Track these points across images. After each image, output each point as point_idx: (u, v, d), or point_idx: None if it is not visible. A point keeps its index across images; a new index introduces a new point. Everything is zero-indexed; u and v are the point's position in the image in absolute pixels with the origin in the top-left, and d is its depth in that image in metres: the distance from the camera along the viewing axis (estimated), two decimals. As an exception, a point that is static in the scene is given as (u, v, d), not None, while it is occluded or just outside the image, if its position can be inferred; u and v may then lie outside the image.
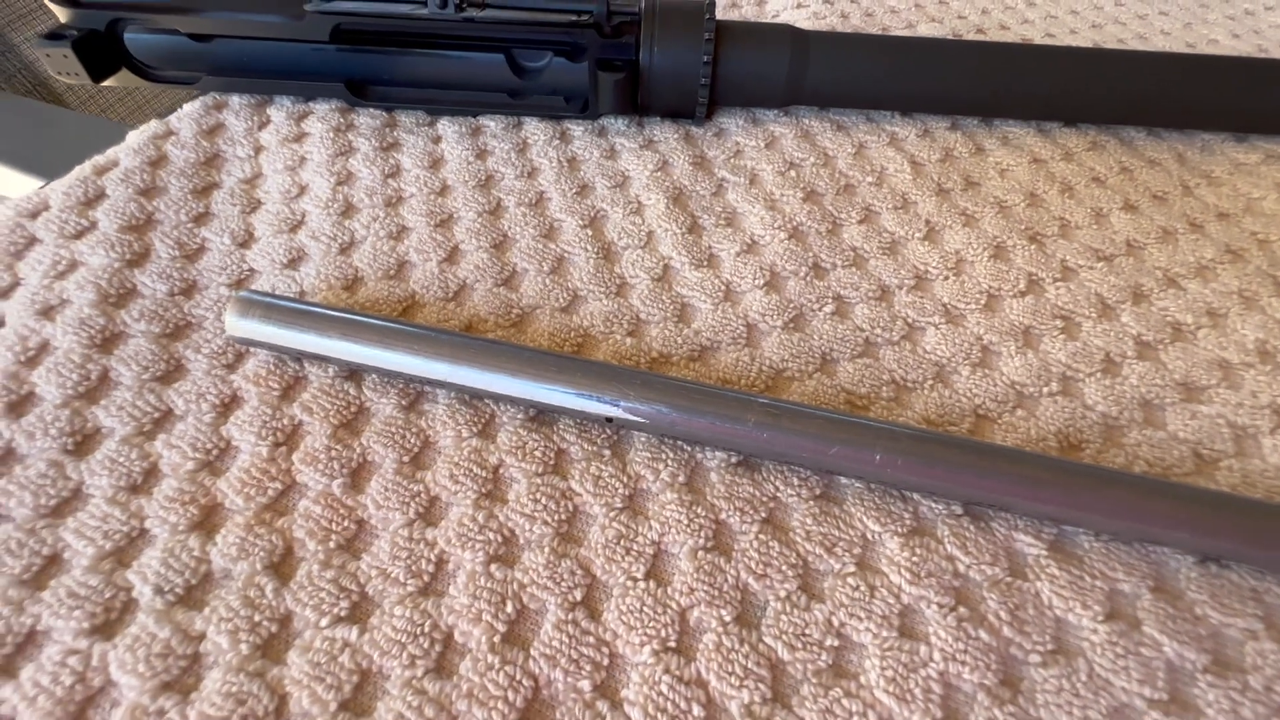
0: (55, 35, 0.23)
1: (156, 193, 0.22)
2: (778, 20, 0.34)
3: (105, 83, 0.25)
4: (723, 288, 0.20)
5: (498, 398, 0.17)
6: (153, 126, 0.24)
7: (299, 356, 0.17)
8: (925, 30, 0.34)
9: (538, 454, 0.16)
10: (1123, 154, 0.27)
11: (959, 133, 0.27)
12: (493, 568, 0.14)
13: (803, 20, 0.33)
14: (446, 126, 0.25)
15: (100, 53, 0.24)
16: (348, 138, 0.24)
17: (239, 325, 0.17)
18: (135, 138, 0.23)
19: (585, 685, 0.13)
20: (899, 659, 0.14)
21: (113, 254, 0.19)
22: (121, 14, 0.23)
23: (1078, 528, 0.15)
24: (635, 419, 0.16)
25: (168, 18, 0.23)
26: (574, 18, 0.23)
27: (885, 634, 0.14)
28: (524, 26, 0.24)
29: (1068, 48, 0.27)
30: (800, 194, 0.24)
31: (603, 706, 0.13)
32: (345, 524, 0.15)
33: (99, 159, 0.22)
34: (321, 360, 0.17)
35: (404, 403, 0.17)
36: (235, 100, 0.26)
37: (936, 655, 0.14)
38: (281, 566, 0.14)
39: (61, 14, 0.24)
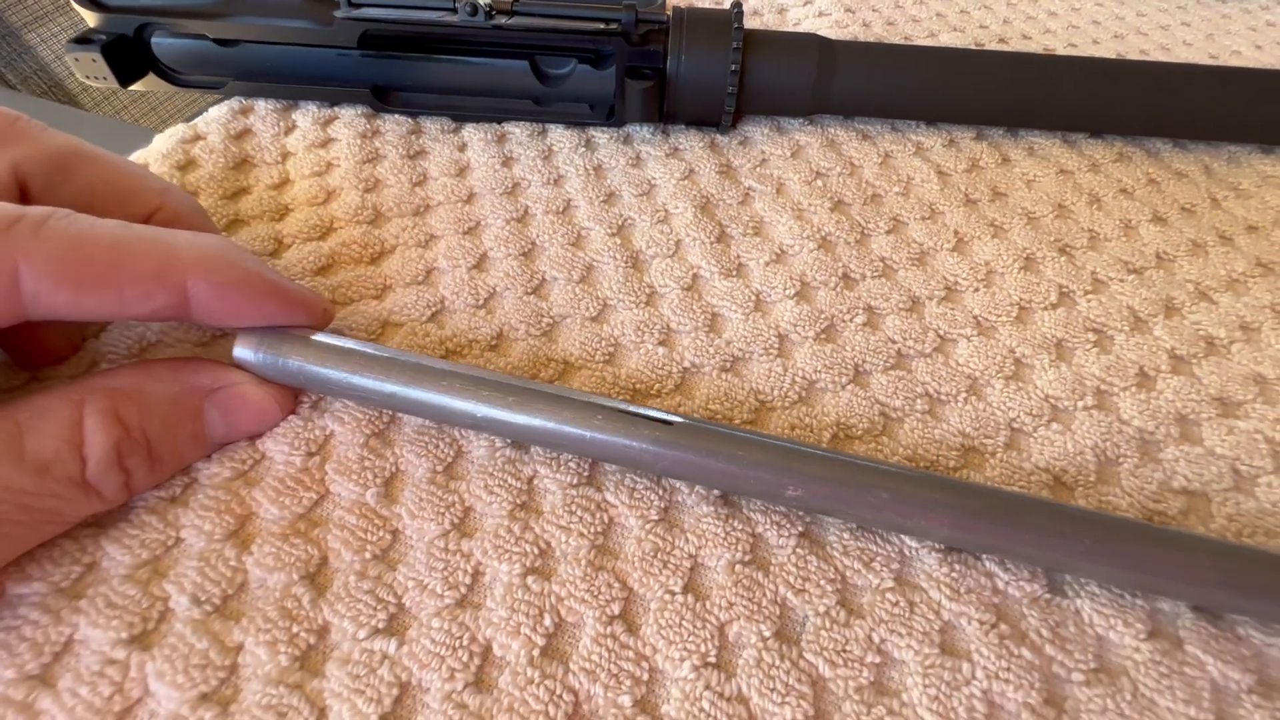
0: (84, 40, 0.23)
1: (185, 198, 0.22)
2: (799, 28, 0.34)
3: (132, 87, 0.25)
4: (753, 298, 0.20)
5: (537, 443, 0.16)
6: (180, 131, 0.24)
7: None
8: (947, 39, 0.34)
9: (571, 465, 0.16)
10: (1149, 165, 0.26)
11: (984, 143, 0.27)
12: (529, 580, 0.14)
13: (825, 28, 0.33)
14: (471, 133, 0.25)
15: (128, 57, 0.24)
16: (374, 144, 0.24)
17: (249, 358, 0.16)
18: (163, 142, 0.23)
19: (626, 700, 0.13)
20: (941, 677, 0.13)
21: (143, 259, 0.19)
22: (151, 19, 0.23)
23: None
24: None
25: (197, 23, 0.24)
26: (602, 26, 0.23)
27: (927, 651, 0.14)
28: (551, 34, 0.24)
29: (1093, 59, 0.27)
30: (827, 203, 0.24)
31: (644, 723, 0.13)
32: (380, 534, 0.15)
33: (127, 164, 0.22)
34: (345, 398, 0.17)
35: (437, 412, 0.17)
36: (261, 105, 0.26)
37: (979, 673, 0.14)
38: (318, 577, 0.14)
39: (90, 18, 0.24)
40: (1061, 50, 0.34)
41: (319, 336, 0.16)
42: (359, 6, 0.23)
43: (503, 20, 0.23)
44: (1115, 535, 0.14)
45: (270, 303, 0.15)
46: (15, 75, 0.59)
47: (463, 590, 0.14)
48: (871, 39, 0.33)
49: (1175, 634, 0.14)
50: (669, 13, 0.25)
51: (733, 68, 0.24)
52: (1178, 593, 0.14)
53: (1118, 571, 0.14)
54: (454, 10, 0.23)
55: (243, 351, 0.16)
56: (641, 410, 0.15)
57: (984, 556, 0.15)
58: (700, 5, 0.35)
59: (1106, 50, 0.34)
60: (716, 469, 0.15)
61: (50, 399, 0.13)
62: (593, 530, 0.15)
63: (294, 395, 0.17)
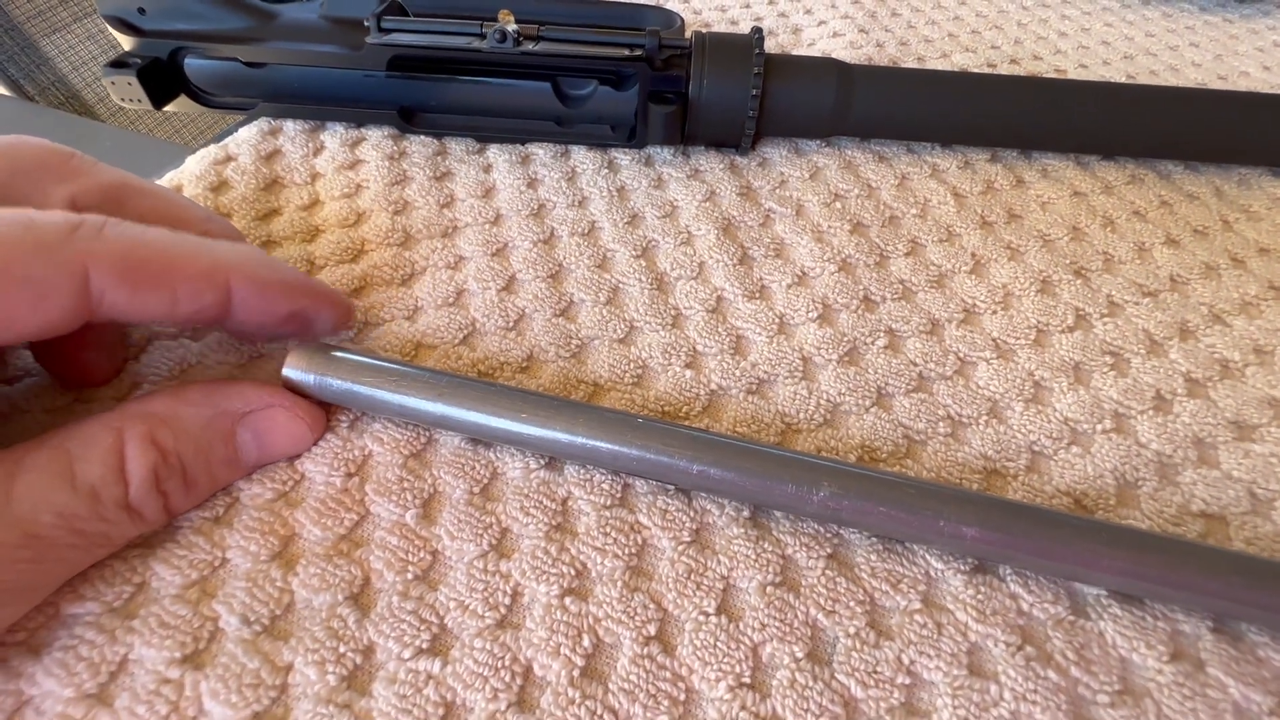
0: (120, 63, 0.24)
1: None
2: (814, 48, 0.34)
3: (165, 108, 0.25)
4: (776, 320, 0.21)
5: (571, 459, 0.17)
6: (212, 152, 0.24)
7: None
8: (959, 59, 0.34)
9: (605, 486, 0.17)
10: (1161, 188, 0.27)
11: (999, 165, 0.27)
12: (567, 600, 0.15)
13: (839, 49, 0.34)
14: (496, 154, 0.26)
15: (162, 80, 0.25)
16: (401, 166, 0.25)
17: (298, 378, 0.17)
18: (196, 164, 0.24)
19: (664, 720, 0.13)
20: (970, 698, 0.14)
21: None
22: (185, 43, 0.24)
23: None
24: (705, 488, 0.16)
25: (230, 47, 0.24)
26: (626, 52, 0.24)
27: (955, 672, 0.14)
28: (575, 58, 0.24)
29: (1105, 83, 0.27)
30: (847, 225, 0.24)
31: (683, 742, 0.13)
32: (421, 555, 0.15)
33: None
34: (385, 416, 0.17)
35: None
36: (289, 126, 0.26)
37: (1007, 694, 0.14)
38: (361, 597, 0.15)
39: (126, 42, 0.24)
40: (1072, 70, 0.34)
41: (365, 357, 0.17)
42: (389, 32, 0.24)
43: (530, 46, 0.23)
44: (1132, 537, 0.15)
45: (303, 297, 0.17)
46: (33, 86, 0.60)
47: (502, 611, 0.14)
48: (885, 59, 0.34)
49: (1197, 656, 0.15)
50: (690, 37, 0.25)
51: (754, 92, 0.24)
52: (1197, 589, 0.15)
53: (1135, 568, 0.15)
54: (482, 36, 0.23)
55: (291, 371, 0.16)
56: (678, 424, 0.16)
57: (1008, 578, 0.16)
58: (718, 29, 0.36)
59: (1116, 70, 0.34)
60: (751, 472, 0.15)
61: (93, 427, 0.14)
62: (627, 552, 0.16)
63: (326, 416, 0.17)
